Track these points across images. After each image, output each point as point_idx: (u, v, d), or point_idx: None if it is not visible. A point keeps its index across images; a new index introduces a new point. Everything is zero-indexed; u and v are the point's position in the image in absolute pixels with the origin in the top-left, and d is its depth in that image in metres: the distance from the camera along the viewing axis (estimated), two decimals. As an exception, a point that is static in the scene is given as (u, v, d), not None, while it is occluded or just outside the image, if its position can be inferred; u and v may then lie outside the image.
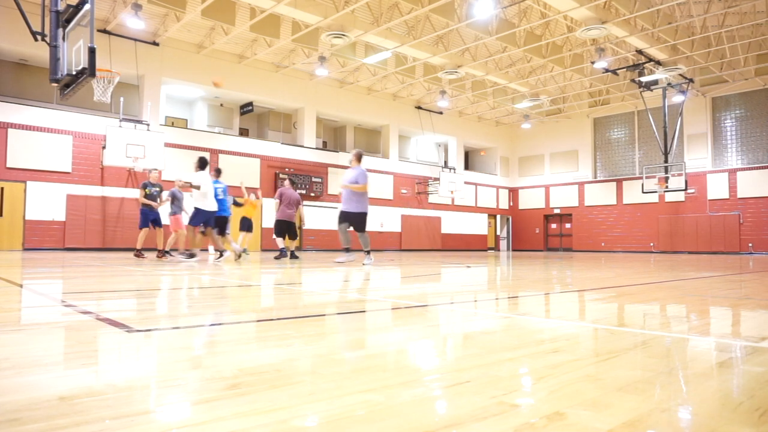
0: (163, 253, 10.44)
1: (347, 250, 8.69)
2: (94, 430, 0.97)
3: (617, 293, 3.95)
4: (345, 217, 8.70)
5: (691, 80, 21.18)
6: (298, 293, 3.92)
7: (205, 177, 8.99)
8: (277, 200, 11.04)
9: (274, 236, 11.30)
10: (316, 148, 22.18)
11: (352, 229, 8.73)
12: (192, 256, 9.06)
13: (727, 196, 22.65)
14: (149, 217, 10.52)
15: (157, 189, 10.72)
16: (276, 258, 10.76)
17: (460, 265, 8.98)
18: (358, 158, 8.88)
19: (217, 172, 10.70)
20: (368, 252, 8.70)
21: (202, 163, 9.07)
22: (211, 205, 9.09)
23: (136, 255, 10.15)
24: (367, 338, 2.07)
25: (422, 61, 19.38)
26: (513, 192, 30.30)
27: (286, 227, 11.02)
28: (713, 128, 23.34)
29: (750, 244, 21.93)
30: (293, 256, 10.80)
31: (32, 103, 16.34)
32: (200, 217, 8.98)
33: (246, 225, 12.87)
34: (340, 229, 8.76)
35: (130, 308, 2.95)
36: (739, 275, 6.51)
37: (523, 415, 1.08)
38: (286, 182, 11.61)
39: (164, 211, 11.00)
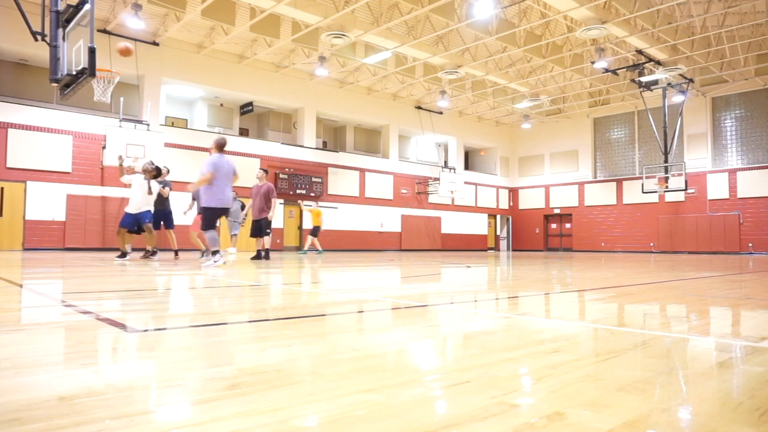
0: (176, 254, 10.22)
1: (214, 252, 7.31)
2: (94, 430, 0.97)
3: (617, 293, 3.95)
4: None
5: (691, 80, 21.18)
6: (298, 293, 3.93)
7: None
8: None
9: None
10: (316, 148, 22.18)
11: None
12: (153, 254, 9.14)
13: (727, 196, 22.64)
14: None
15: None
16: (253, 258, 10.38)
17: (460, 265, 8.98)
18: (218, 147, 7.51)
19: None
20: (213, 252, 7.33)
21: (158, 171, 9.35)
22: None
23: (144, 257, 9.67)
24: (367, 338, 2.07)
25: (422, 61, 19.38)
26: (513, 192, 30.30)
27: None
28: (713, 128, 23.34)
29: (750, 244, 21.92)
30: (267, 256, 10.33)
31: (32, 103, 16.34)
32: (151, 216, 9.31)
33: (312, 231, 16.03)
34: None
35: (130, 308, 2.95)
36: (739, 275, 6.51)
37: (523, 415, 1.08)
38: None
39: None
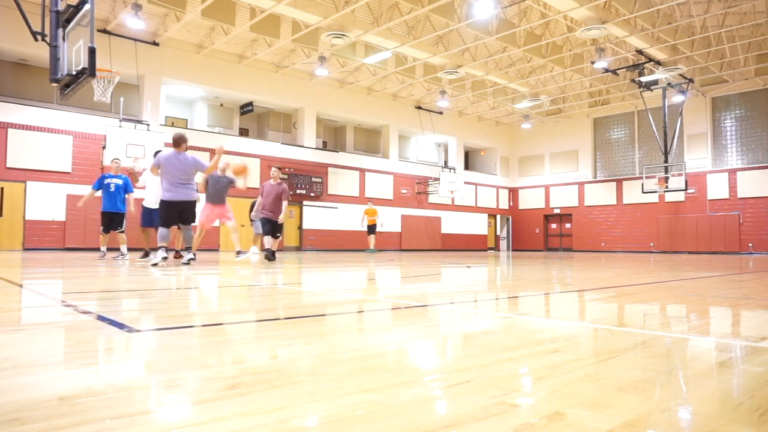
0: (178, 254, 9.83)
1: (159, 248, 7.40)
2: (94, 430, 0.97)
3: (617, 293, 3.95)
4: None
5: (691, 80, 21.18)
6: (298, 293, 3.92)
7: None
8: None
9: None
10: (316, 148, 22.18)
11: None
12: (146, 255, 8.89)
13: (727, 196, 22.64)
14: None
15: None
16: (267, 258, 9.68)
17: (460, 265, 8.97)
18: (172, 143, 7.53)
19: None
20: (159, 248, 7.42)
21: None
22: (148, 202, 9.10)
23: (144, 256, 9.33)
24: (367, 338, 2.07)
25: (422, 61, 19.38)
26: (513, 192, 30.30)
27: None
28: (713, 128, 23.34)
29: (750, 244, 21.93)
30: (272, 257, 9.58)
31: (32, 103, 16.34)
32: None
33: (369, 229, 17.32)
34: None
35: (130, 308, 2.95)
36: (739, 275, 6.51)
37: (523, 415, 1.08)
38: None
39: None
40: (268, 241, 9.67)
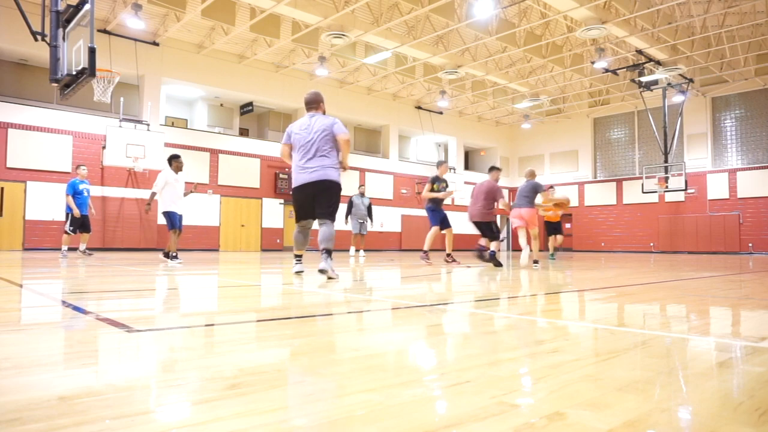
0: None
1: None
2: (94, 430, 0.97)
3: (617, 293, 3.95)
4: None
5: (691, 80, 21.17)
6: (299, 293, 3.92)
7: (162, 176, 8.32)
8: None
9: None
10: (316, 148, 22.15)
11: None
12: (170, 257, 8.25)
13: (727, 196, 22.64)
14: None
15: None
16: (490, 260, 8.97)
17: (460, 266, 8.97)
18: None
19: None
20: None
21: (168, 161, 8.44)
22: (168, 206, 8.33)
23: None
24: (367, 338, 2.07)
25: (422, 61, 19.38)
26: (513, 192, 30.28)
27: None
28: (713, 128, 23.34)
29: (750, 244, 21.92)
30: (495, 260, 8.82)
31: (32, 103, 16.34)
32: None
33: (552, 228, 14.26)
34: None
35: (130, 308, 2.95)
36: (739, 275, 6.51)
37: (523, 415, 1.08)
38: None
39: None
40: (493, 245, 9.45)
